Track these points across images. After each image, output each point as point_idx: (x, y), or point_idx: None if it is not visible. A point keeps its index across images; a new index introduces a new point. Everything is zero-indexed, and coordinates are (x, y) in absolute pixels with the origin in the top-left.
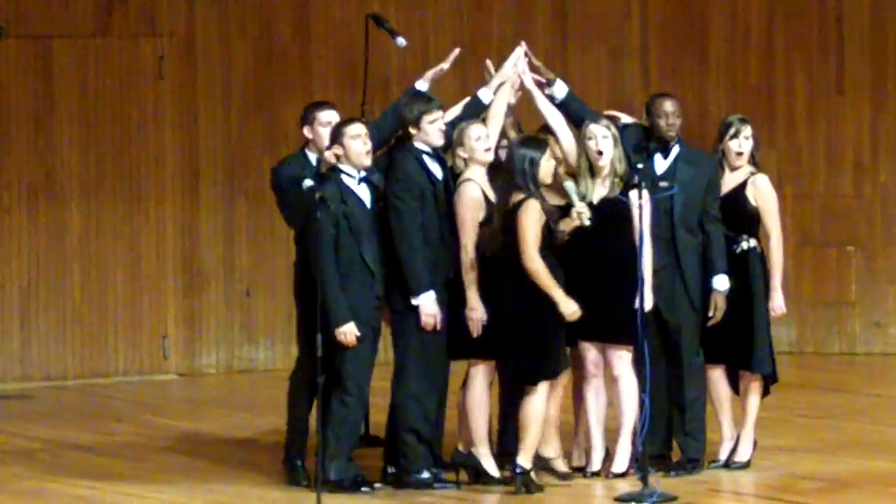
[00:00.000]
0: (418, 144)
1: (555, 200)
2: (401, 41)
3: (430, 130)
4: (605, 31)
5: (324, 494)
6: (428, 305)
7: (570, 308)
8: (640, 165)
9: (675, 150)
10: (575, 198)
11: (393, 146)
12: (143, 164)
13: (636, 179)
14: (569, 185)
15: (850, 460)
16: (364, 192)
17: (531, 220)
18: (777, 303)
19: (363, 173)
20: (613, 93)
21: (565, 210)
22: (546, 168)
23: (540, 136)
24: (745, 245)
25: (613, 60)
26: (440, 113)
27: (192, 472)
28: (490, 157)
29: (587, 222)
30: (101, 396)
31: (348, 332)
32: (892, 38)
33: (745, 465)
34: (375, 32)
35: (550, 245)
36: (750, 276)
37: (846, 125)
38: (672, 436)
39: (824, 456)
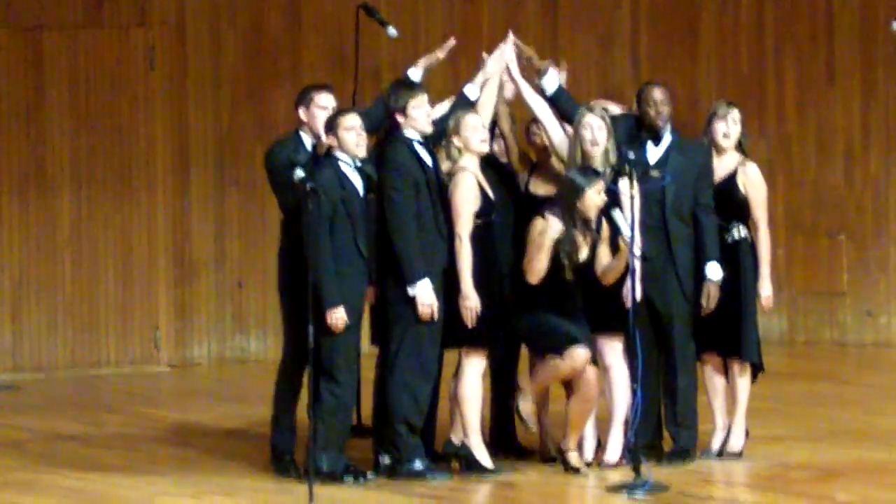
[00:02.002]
0: (408, 133)
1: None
2: (392, 32)
3: (417, 116)
4: (595, 21)
5: (315, 485)
6: (424, 294)
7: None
8: (631, 155)
9: (668, 138)
10: (624, 226)
11: (383, 138)
12: (134, 155)
13: (627, 169)
14: (616, 213)
15: (842, 450)
16: (358, 180)
17: (536, 237)
18: (766, 293)
19: (358, 162)
20: (603, 82)
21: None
22: (591, 198)
23: (593, 167)
24: (735, 234)
25: (604, 49)
26: (425, 97)
27: (184, 463)
28: (485, 147)
29: (637, 252)
30: (92, 387)
31: (338, 315)
32: (882, 27)
33: (738, 455)
34: (366, 21)
35: (563, 274)
36: (740, 264)
37: (837, 114)
38: (664, 425)
39: (815, 445)
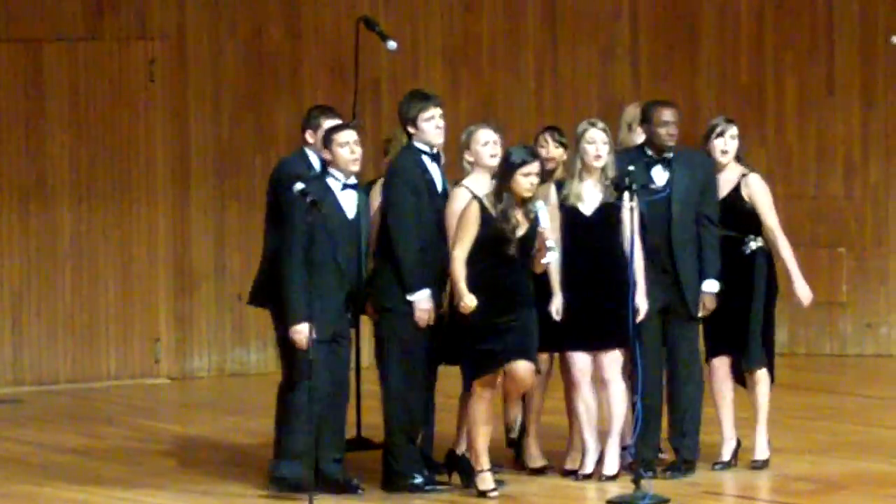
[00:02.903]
0: (418, 144)
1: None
2: (392, 45)
3: (427, 128)
4: (595, 32)
5: (316, 497)
6: (422, 302)
7: (468, 301)
8: (631, 168)
9: (668, 156)
10: (544, 219)
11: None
12: (134, 167)
13: (626, 182)
14: (539, 205)
15: (842, 461)
16: (347, 198)
17: (464, 216)
18: (802, 292)
19: (350, 179)
20: (604, 93)
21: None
22: (518, 181)
23: (535, 150)
24: (753, 245)
25: (604, 61)
26: (437, 110)
27: (184, 476)
28: (495, 162)
29: (552, 245)
30: (92, 400)
31: (301, 331)
32: (881, 37)
33: (766, 464)
34: (366, 34)
35: (505, 256)
36: (753, 273)
37: (836, 125)
38: (666, 437)
39: (816, 457)
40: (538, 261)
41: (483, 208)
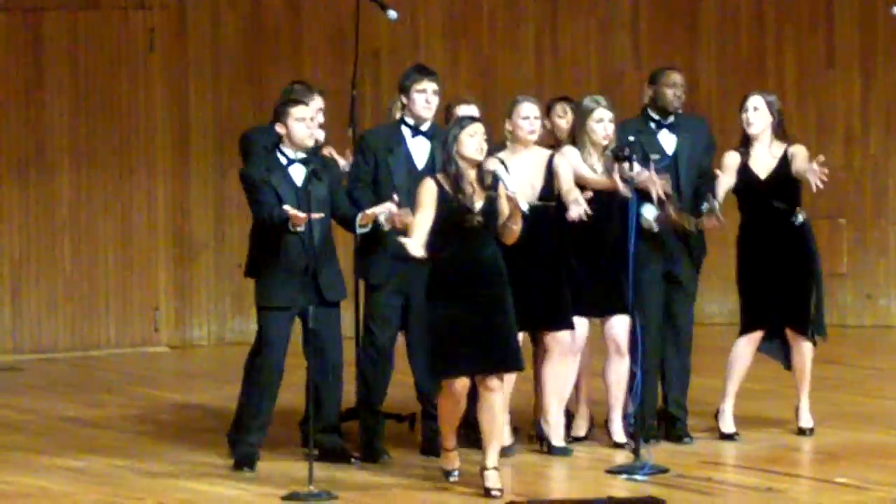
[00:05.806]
0: (406, 118)
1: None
2: (392, 14)
3: (417, 100)
4: (595, 3)
5: (315, 463)
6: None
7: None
8: (631, 139)
9: (671, 120)
10: (509, 182)
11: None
12: (134, 137)
13: (627, 153)
14: (500, 170)
15: (841, 432)
16: (296, 172)
17: (418, 195)
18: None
19: (301, 155)
20: (604, 65)
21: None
22: (465, 142)
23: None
24: (801, 217)
25: (604, 32)
26: (431, 85)
27: (183, 444)
28: (533, 138)
29: (525, 207)
30: (91, 369)
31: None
32: (881, 10)
33: (812, 431)
34: (366, 5)
35: (468, 232)
36: (808, 243)
37: (836, 98)
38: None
39: (816, 428)
40: (511, 228)
41: (440, 187)
